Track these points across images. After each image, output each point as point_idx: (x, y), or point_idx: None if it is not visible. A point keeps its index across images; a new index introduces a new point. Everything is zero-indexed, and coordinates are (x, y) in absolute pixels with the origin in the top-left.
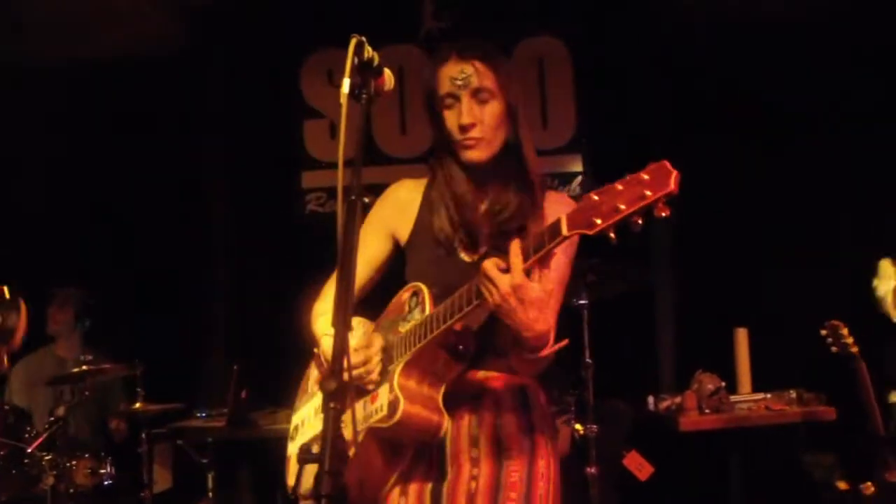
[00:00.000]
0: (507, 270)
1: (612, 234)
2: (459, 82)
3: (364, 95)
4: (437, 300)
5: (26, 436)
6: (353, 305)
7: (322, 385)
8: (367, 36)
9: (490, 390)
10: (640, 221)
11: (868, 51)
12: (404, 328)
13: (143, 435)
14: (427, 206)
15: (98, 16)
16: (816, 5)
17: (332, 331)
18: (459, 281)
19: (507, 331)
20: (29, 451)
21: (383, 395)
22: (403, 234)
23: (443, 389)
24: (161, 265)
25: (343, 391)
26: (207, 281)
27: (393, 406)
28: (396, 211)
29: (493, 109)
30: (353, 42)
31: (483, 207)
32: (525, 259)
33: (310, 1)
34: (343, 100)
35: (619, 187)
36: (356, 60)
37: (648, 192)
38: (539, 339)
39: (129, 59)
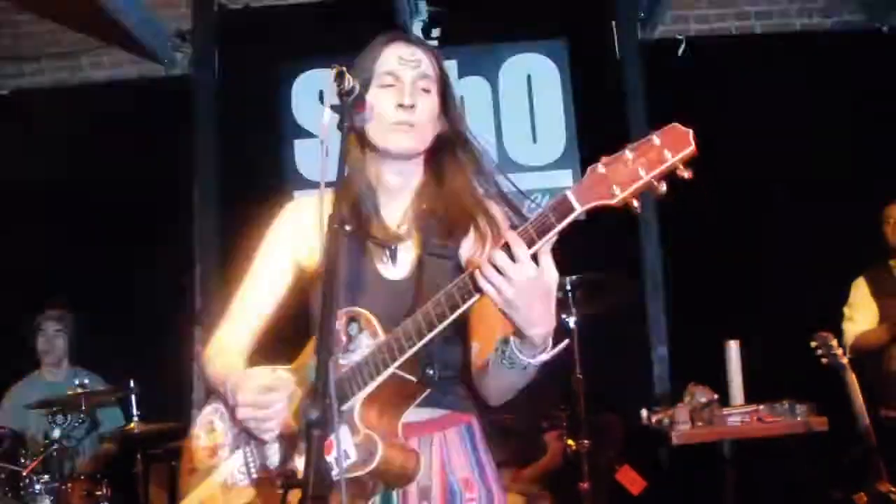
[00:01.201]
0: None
1: (635, 202)
2: (409, 61)
3: (346, 124)
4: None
5: (21, 459)
6: (249, 350)
7: (304, 412)
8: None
9: (436, 431)
10: (663, 187)
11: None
12: (357, 357)
13: (139, 456)
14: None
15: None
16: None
17: (238, 368)
18: (391, 305)
19: (465, 351)
20: (24, 474)
21: (344, 440)
22: (311, 261)
23: (400, 425)
24: (153, 285)
25: (326, 419)
26: (201, 301)
27: (366, 449)
28: (298, 235)
29: (431, 102)
30: (335, 72)
31: (411, 214)
32: (529, 245)
33: (301, 20)
34: (323, 130)
35: (629, 155)
36: (337, 90)
37: (668, 154)
38: (545, 338)
39: (119, 81)
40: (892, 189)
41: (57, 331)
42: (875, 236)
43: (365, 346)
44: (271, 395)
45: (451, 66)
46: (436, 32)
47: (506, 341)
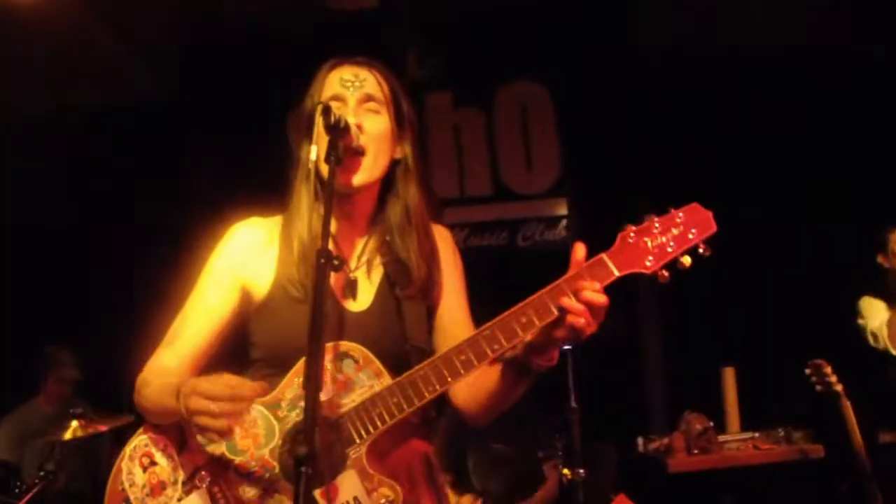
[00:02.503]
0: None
1: (665, 273)
2: (351, 83)
3: (333, 157)
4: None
5: (16, 490)
6: (188, 376)
7: (294, 450)
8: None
9: (404, 464)
10: (688, 261)
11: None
12: (357, 398)
13: None
14: (287, 257)
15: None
16: (801, 46)
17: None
18: (351, 336)
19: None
20: None
21: (350, 486)
22: (259, 287)
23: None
24: (149, 312)
25: (314, 456)
26: None
27: (383, 496)
28: (246, 258)
29: (380, 122)
30: (320, 108)
31: (370, 245)
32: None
33: (297, 49)
34: (311, 165)
35: (657, 227)
36: (324, 124)
37: (693, 234)
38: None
39: (118, 106)
40: (890, 214)
41: (72, 367)
42: (872, 262)
43: (366, 385)
44: (236, 390)
45: (446, 96)
46: (431, 62)
47: (518, 358)
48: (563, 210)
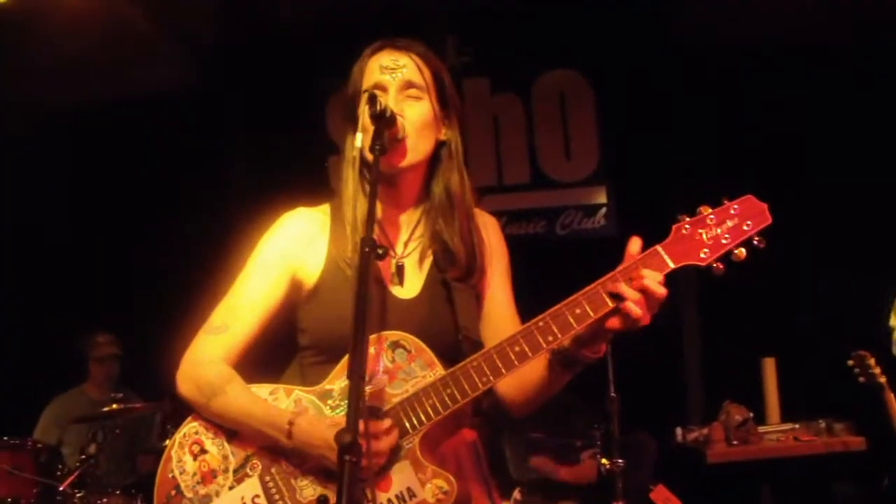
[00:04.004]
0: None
1: (720, 265)
2: (391, 70)
3: (378, 147)
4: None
5: (58, 473)
6: (235, 365)
7: (337, 437)
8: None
9: (454, 453)
10: (743, 253)
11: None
12: (409, 389)
13: None
14: (340, 238)
15: (120, 55)
16: (846, 35)
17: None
18: (400, 324)
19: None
20: (61, 488)
21: (404, 478)
22: (310, 275)
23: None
24: (189, 301)
25: (358, 444)
26: None
27: (438, 487)
28: (298, 246)
29: (421, 108)
30: (365, 96)
31: (417, 231)
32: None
33: (335, 36)
34: (356, 153)
35: (711, 218)
36: (370, 113)
37: (748, 225)
38: None
39: (155, 99)
40: None
41: (113, 357)
42: None
43: (419, 375)
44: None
45: (484, 82)
46: (471, 50)
47: (566, 350)
48: (601, 198)
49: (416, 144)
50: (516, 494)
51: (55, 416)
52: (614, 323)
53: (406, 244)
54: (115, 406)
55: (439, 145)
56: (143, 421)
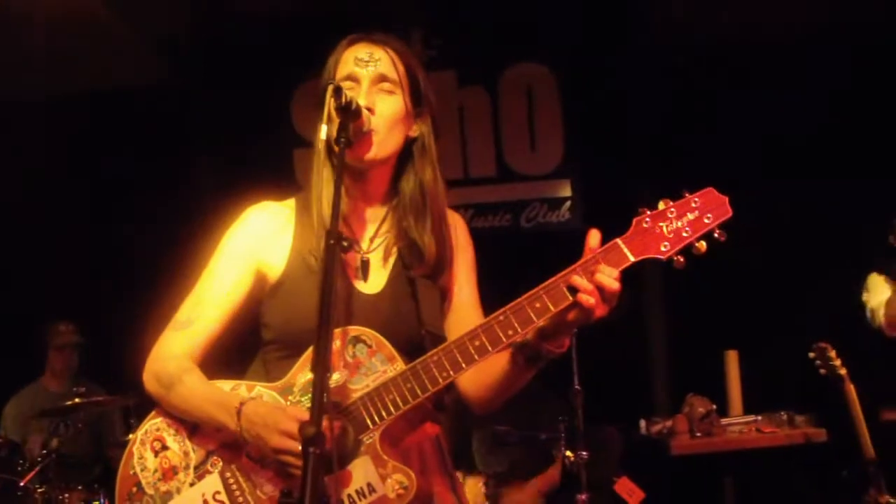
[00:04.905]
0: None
1: (681, 259)
2: (365, 62)
3: (342, 139)
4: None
5: (19, 468)
6: (201, 360)
7: (302, 430)
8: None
9: (416, 448)
10: (703, 246)
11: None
12: (370, 383)
13: None
14: (305, 232)
15: (85, 49)
16: (813, 25)
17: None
18: (362, 319)
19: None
20: (22, 483)
21: (364, 473)
22: (274, 269)
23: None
24: (153, 294)
25: (322, 436)
26: None
27: (398, 483)
28: (262, 240)
29: (393, 103)
30: (330, 88)
31: (383, 227)
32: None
33: (301, 29)
34: (321, 145)
35: (672, 211)
36: (335, 105)
37: (709, 218)
38: None
39: (119, 91)
40: None
41: (74, 346)
42: (879, 244)
43: (379, 370)
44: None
45: (450, 75)
46: (436, 43)
47: (529, 344)
48: (566, 192)
49: (385, 139)
50: (482, 486)
51: (16, 415)
52: (572, 316)
53: (372, 240)
54: (77, 400)
55: (410, 141)
56: (106, 415)
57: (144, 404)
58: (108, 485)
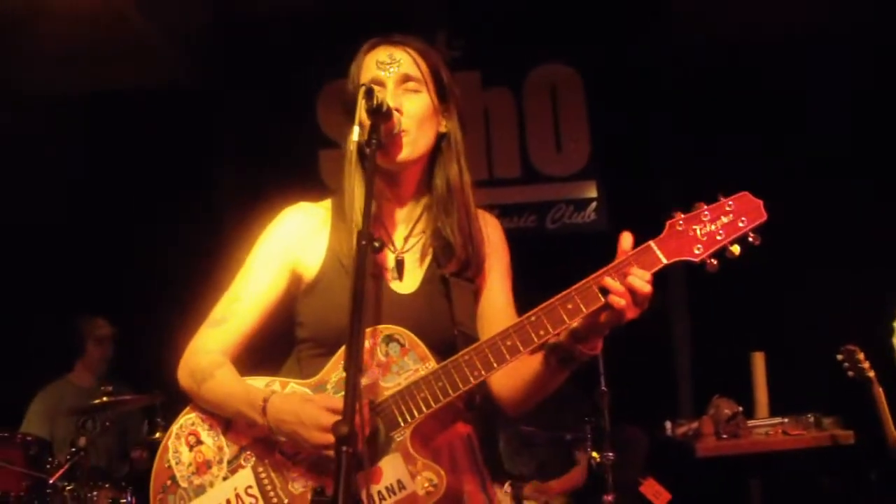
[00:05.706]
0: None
1: (714, 261)
2: (387, 65)
3: (374, 141)
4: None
5: (48, 466)
6: (235, 357)
7: (334, 429)
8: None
9: (447, 447)
10: (737, 250)
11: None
12: (402, 382)
13: None
14: (340, 233)
15: (112, 49)
16: (841, 24)
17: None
18: (396, 318)
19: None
20: (51, 481)
21: (394, 470)
22: (310, 269)
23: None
24: (179, 296)
25: (355, 435)
26: None
27: (427, 480)
28: (297, 241)
29: (420, 101)
30: (362, 90)
31: (418, 226)
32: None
33: (325, 30)
34: (352, 147)
35: (706, 214)
36: (366, 107)
37: (743, 222)
38: None
39: (144, 91)
40: None
41: (112, 337)
42: None
43: (411, 369)
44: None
45: (475, 76)
46: (461, 44)
47: (562, 346)
48: (592, 193)
49: (416, 138)
50: (507, 487)
51: (44, 409)
52: (604, 317)
53: (406, 239)
54: (105, 399)
55: (440, 138)
56: (133, 413)
57: (171, 403)
58: (136, 483)
